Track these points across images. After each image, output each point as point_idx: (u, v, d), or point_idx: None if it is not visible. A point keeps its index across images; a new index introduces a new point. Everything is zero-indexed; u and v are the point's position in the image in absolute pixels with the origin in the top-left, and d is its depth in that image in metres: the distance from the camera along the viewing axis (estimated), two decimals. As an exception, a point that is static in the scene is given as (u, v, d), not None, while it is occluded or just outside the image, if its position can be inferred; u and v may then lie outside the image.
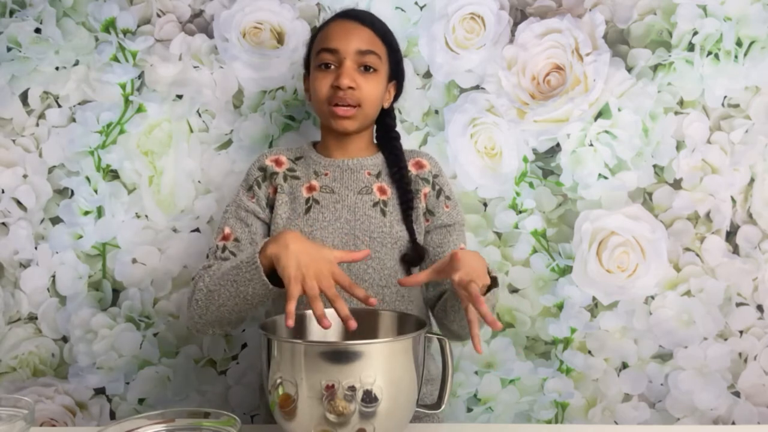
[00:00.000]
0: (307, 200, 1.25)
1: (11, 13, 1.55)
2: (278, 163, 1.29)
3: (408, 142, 1.52)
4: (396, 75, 1.31)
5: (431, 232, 1.28)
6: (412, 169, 1.29)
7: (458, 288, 0.97)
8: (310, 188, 1.26)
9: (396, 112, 1.43)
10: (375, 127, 1.34)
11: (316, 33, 1.29)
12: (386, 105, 1.31)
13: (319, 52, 1.24)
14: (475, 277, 0.98)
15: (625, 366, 1.58)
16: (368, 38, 1.24)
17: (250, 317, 1.57)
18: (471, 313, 0.95)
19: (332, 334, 1.04)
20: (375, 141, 1.35)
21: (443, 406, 0.96)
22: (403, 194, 1.25)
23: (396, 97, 1.34)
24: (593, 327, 1.57)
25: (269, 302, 1.17)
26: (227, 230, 1.24)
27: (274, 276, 1.03)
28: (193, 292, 1.15)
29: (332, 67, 1.22)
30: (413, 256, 1.24)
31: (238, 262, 1.07)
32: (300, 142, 1.56)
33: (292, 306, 0.94)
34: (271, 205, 1.27)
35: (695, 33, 1.54)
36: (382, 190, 1.26)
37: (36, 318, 1.58)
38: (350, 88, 1.20)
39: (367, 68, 1.22)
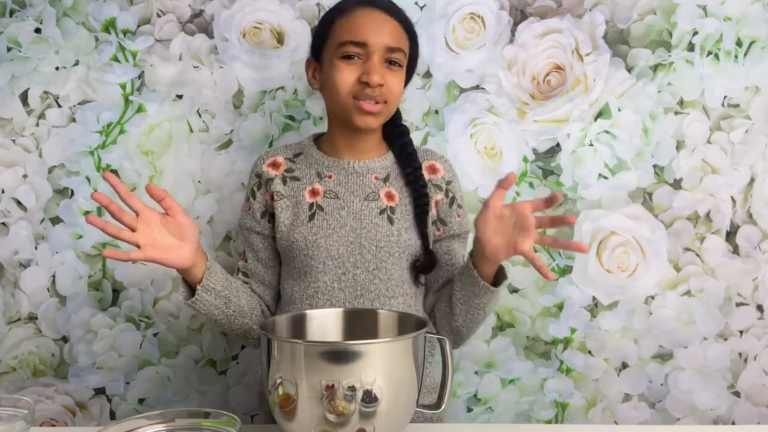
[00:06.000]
0: (311, 206, 1.19)
1: (11, 13, 1.55)
2: (275, 166, 1.24)
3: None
4: (410, 69, 1.24)
5: (440, 241, 1.24)
6: (425, 173, 1.23)
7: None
8: (314, 192, 1.20)
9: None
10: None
11: (332, 17, 1.19)
12: None
13: (343, 44, 1.15)
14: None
15: (625, 366, 1.58)
16: (397, 33, 1.17)
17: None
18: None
19: (332, 334, 1.04)
20: (384, 139, 1.29)
21: (443, 406, 0.96)
22: (418, 197, 1.20)
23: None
24: (593, 327, 1.57)
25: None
26: (242, 248, 1.28)
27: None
28: None
29: (356, 58, 1.14)
30: (425, 263, 1.21)
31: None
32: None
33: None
34: (271, 213, 1.23)
35: (695, 33, 1.54)
36: (389, 196, 1.20)
37: (36, 318, 1.58)
38: (379, 85, 1.13)
39: (392, 62, 1.16)
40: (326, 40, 1.19)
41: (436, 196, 1.23)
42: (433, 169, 1.25)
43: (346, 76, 1.14)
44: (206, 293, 1.09)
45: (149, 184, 1.02)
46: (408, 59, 1.21)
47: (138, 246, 1.00)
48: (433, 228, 1.24)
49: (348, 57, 1.14)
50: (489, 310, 1.17)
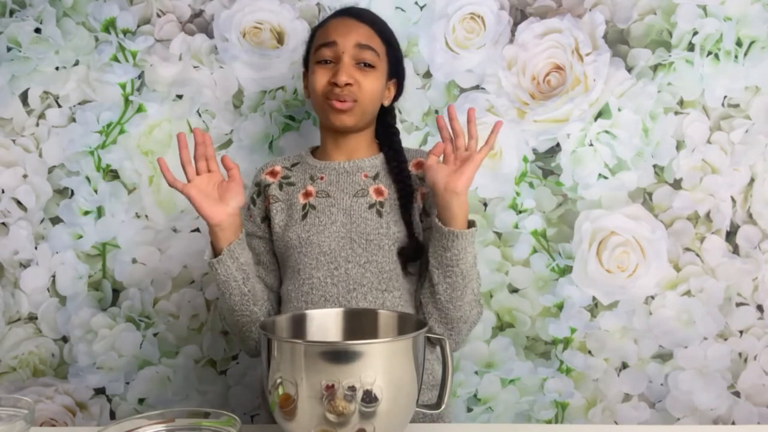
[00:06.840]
0: (304, 206, 1.24)
1: (11, 13, 1.55)
2: (273, 174, 1.30)
3: (408, 142, 1.52)
4: (396, 73, 1.30)
5: (426, 231, 1.26)
6: (413, 169, 1.27)
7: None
8: (307, 194, 1.25)
9: (396, 112, 1.43)
10: (375, 126, 1.32)
11: (315, 31, 1.29)
12: (386, 103, 1.30)
13: (318, 48, 1.23)
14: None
15: (625, 366, 1.58)
16: (366, 34, 1.23)
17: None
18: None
19: (332, 334, 1.04)
20: (376, 140, 1.33)
21: (443, 406, 0.96)
22: (402, 188, 1.23)
23: (396, 97, 1.33)
24: (593, 327, 1.57)
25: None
26: None
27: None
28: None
29: (330, 63, 1.22)
30: (411, 251, 1.22)
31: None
32: (300, 142, 1.56)
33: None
34: (269, 218, 1.27)
35: (695, 33, 1.54)
36: (378, 192, 1.24)
37: (36, 318, 1.58)
38: (348, 84, 1.19)
39: (365, 64, 1.22)
40: (309, 51, 1.29)
41: (422, 189, 1.26)
42: (420, 165, 1.27)
43: (320, 78, 1.22)
44: (230, 259, 1.12)
45: (225, 156, 1.15)
46: (389, 65, 1.27)
47: (188, 181, 1.11)
48: (419, 219, 1.25)
49: (323, 62, 1.22)
50: (465, 269, 1.14)
